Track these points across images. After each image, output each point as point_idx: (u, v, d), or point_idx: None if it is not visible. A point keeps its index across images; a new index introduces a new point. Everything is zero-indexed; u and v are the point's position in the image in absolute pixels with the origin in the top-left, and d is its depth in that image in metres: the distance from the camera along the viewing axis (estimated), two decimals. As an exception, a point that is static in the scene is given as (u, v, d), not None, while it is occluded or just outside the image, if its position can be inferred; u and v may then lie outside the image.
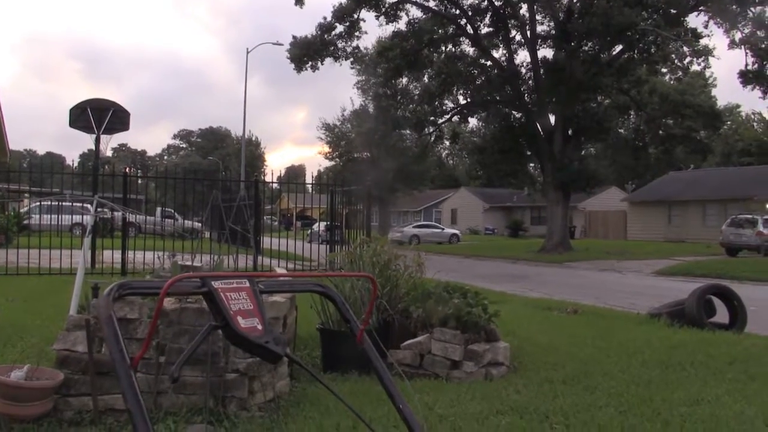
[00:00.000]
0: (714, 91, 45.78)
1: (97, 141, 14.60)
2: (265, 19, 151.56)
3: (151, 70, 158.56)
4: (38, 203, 23.91)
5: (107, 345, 1.48)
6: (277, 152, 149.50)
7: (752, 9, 26.66)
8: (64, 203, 19.64)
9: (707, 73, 34.77)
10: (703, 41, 29.18)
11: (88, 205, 7.07)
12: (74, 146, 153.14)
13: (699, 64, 31.09)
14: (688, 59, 30.93)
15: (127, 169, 19.54)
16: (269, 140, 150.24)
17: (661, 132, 35.70)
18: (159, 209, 22.19)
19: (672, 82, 34.58)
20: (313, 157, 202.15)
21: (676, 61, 31.17)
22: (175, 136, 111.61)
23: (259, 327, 1.67)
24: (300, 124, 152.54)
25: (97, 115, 14.37)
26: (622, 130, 38.25)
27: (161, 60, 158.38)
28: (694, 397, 5.02)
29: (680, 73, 32.53)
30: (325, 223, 21.00)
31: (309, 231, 30.05)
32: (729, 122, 59.01)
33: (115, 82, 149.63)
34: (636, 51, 29.08)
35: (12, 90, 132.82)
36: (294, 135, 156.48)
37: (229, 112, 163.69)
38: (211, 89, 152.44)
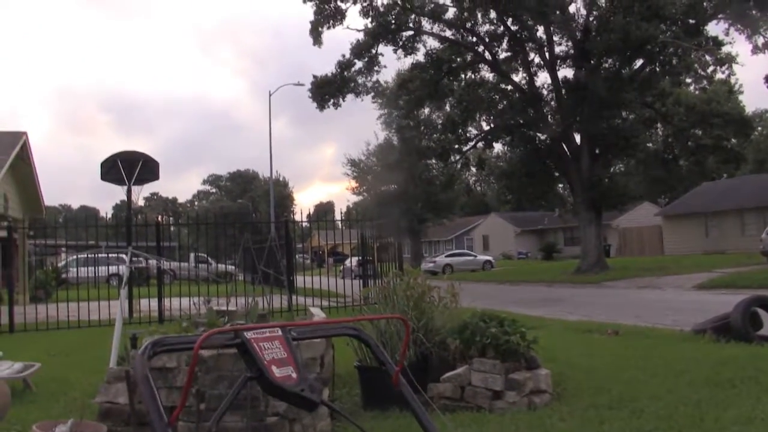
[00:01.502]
0: (742, 98, 45.18)
1: (129, 192, 14.84)
2: (291, 58, 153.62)
3: (180, 117, 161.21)
4: (75, 257, 24.32)
5: (145, 405, 1.48)
6: (307, 190, 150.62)
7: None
8: (100, 255, 19.96)
9: (732, 80, 34.26)
10: (726, 49, 28.93)
11: (124, 256, 7.16)
12: (108, 198, 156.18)
13: (723, 72, 30.78)
14: (711, 68, 30.64)
15: (160, 218, 19.79)
16: (298, 179, 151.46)
17: (690, 143, 35.26)
18: (192, 255, 22.41)
19: (697, 92, 34.24)
20: (341, 193, 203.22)
21: (699, 70, 30.90)
22: (204, 182, 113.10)
23: (294, 375, 1.67)
24: (328, 161, 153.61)
25: (128, 167, 14.64)
26: (650, 144, 37.89)
27: (189, 106, 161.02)
28: (746, 415, 4.87)
29: (704, 82, 32.21)
30: (357, 258, 21.03)
31: (341, 267, 30.12)
32: (759, 128, 58.23)
33: (145, 131, 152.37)
34: (657, 64, 28.93)
35: (45, 144, 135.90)
36: (323, 172, 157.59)
37: (258, 153, 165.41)
38: (240, 131, 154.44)
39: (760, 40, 27.29)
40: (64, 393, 6.36)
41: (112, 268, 23.98)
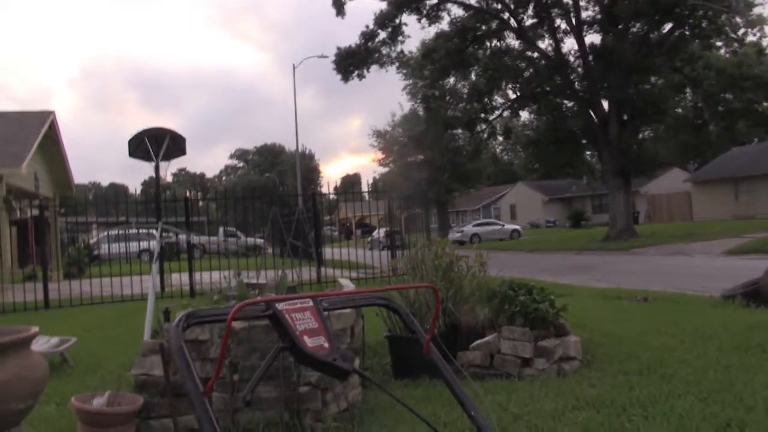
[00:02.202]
0: (773, 61, 44.18)
1: (157, 168, 14.98)
2: (316, 29, 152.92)
3: (207, 92, 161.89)
4: (106, 233, 24.69)
5: (181, 376, 1.52)
6: (334, 163, 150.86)
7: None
8: (130, 231, 20.22)
9: (764, 42, 33.53)
10: (757, 10, 28.29)
11: (154, 231, 7.27)
12: (136, 174, 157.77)
13: (754, 34, 30.11)
14: (742, 30, 29.98)
15: (188, 193, 19.97)
16: (325, 151, 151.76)
17: (720, 107, 34.65)
18: (221, 229, 22.63)
19: (727, 56, 33.54)
20: (368, 165, 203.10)
21: (729, 33, 30.24)
22: (231, 156, 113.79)
23: (326, 345, 1.70)
24: (355, 133, 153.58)
25: (155, 144, 14.75)
26: (679, 110, 37.30)
27: (216, 81, 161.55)
28: (776, 379, 4.85)
29: (735, 45, 31.54)
30: (384, 229, 21.09)
31: (369, 238, 30.21)
32: (791, 91, 56.89)
33: (172, 107, 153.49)
34: (686, 27, 28.38)
35: (73, 122, 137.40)
36: (350, 144, 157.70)
37: (285, 126, 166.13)
38: (266, 105, 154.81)
39: (793, 0, 26.60)
40: (100, 366, 6.51)
41: (143, 244, 24.35)
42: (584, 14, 30.81)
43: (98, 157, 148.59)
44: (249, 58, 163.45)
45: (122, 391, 4.53)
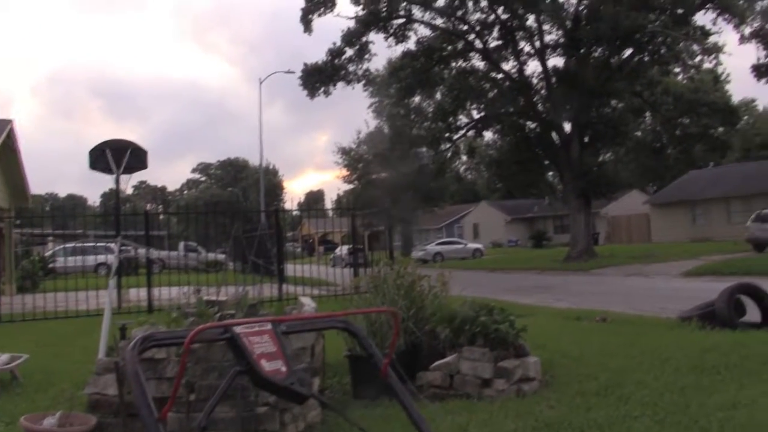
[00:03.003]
0: (729, 87, 45.42)
1: (117, 181, 14.78)
2: (286, 43, 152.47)
3: (173, 103, 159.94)
4: (62, 246, 24.23)
5: (135, 401, 1.49)
6: (300, 178, 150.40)
7: (760, 3, 26.54)
8: (87, 244, 19.86)
9: (720, 69, 34.42)
10: (713, 38, 29.03)
11: (112, 245, 7.15)
12: (96, 186, 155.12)
13: (710, 62, 30.88)
14: (699, 57, 30.74)
15: (148, 207, 19.73)
16: (291, 167, 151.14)
17: (677, 132, 35.46)
18: (182, 244, 22.37)
19: (684, 82, 34.37)
20: (332, 181, 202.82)
21: (687, 60, 31.00)
22: (194, 170, 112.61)
23: (283, 369, 1.68)
24: (322, 149, 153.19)
25: (116, 156, 14.55)
26: (639, 133, 38.05)
27: (183, 92, 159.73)
28: (730, 401, 4.93)
29: (692, 71, 32.33)
30: (347, 246, 21.05)
31: (332, 255, 30.13)
32: (746, 117, 58.47)
33: (138, 118, 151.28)
34: (646, 53, 29.02)
35: (35, 132, 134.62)
36: (316, 160, 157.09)
37: (250, 141, 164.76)
38: (233, 119, 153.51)
39: (747, 30, 27.41)
40: (52, 384, 6.35)
41: (101, 258, 23.92)
42: (548, 38, 31.36)
43: (59, 168, 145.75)
44: (217, 70, 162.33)
45: (74, 410, 4.43)
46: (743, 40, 27.60)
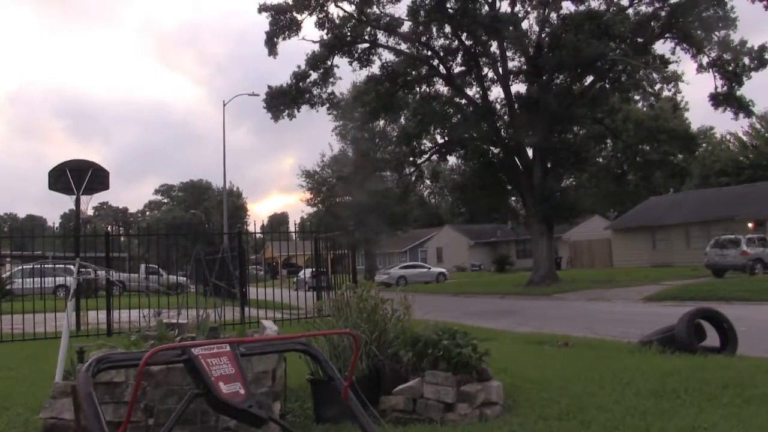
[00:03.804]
0: (688, 115, 46.57)
1: (78, 202, 14.54)
2: (252, 65, 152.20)
3: (136, 124, 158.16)
4: (20, 268, 23.69)
5: (87, 424, 1.45)
6: (265, 201, 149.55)
7: (717, 33, 27.30)
8: (46, 266, 19.46)
9: (679, 97, 35.28)
10: (672, 67, 29.82)
11: (71, 267, 7.01)
12: (57, 207, 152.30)
13: (669, 90, 31.66)
14: (658, 86, 31.49)
15: (109, 228, 19.43)
16: (256, 189, 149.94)
17: (638, 158, 36.12)
18: (143, 266, 22.02)
19: (645, 109, 35.11)
20: (296, 204, 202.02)
21: (647, 88, 31.70)
22: (156, 191, 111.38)
23: (242, 391, 1.65)
24: (287, 171, 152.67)
25: (77, 176, 14.34)
26: (600, 159, 38.67)
27: (147, 113, 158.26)
28: (690, 425, 4.98)
29: (652, 99, 33.07)
30: (310, 270, 20.93)
31: (295, 279, 29.94)
32: (705, 144, 59.87)
33: (101, 138, 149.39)
34: (607, 81, 29.63)
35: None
36: (281, 182, 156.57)
37: (215, 162, 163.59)
38: (197, 140, 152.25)
39: (705, 60, 28.16)
40: (6, 408, 6.17)
41: (59, 279, 23.42)
42: (511, 64, 31.85)
43: (19, 188, 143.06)
44: (183, 91, 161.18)
45: (28, 436, 4.31)
46: (701, 69, 28.37)
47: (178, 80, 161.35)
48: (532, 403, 5.98)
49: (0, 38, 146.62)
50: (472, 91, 33.05)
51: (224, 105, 41.60)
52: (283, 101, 30.52)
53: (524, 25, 30.03)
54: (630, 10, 29.26)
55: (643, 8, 29.01)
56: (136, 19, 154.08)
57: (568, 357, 8.74)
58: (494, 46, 31.41)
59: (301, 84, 30.55)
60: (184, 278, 19.44)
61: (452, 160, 39.45)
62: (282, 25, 29.50)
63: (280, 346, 2.16)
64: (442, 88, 33.67)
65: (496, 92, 33.12)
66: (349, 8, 30.14)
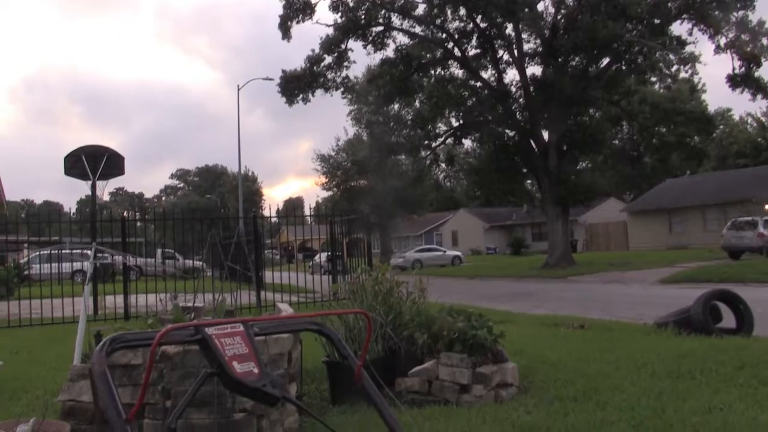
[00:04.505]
0: (705, 97, 46.08)
1: (93, 187, 14.62)
2: (270, 48, 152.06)
3: (154, 109, 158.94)
4: (38, 253, 23.93)
5: (102, 402, 1.46)
6: (281, 185, 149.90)
7: (735, 14, 26.91)
8: (63, 251, 19.63)
9: (696, 79, 34.92)
10: (689, 48, 29.42)
11: (88, 252, 7.07)
12: (73, 193, 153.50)
13: (686, 71, 31.30)
14: (675, 67, 31.13)
15: (125, 213, 19.56)
16: (273, 174, 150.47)
17: (654, 141, 35.83)
18: (159, 251, 22.17)
19: (661, 91, 34.77)
20: (312, 188, 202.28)
21: (663, 69, 31.36)
22: (172, 176, 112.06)
23: (255, 371, 1.66)
24: (303, 156, 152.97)
25: (92, 162, 14.40)
26: (616, 141, 38.40)
27: (164, 98, 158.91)
28: (705, 405, 4.96)
29: (669, 81, 32.71)
30: (326, 253, 20.99)
31: (311, 263, 30.04)
32: (722, 126, 59.27)
33: (118, 123, 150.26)
34: (623, 62, 29.31)
35: (13, 138, 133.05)
36: (297, 167, 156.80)
37: (230, 147, 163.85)
38: (213, 125, 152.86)
39: (722, 41, 27.78)
40: (26, 391, 6.25)
41: (77, 265, 23.65)
42: (526, 46, 31.59)
43: (36, 174, 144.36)
44: (199, 75, 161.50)
45: (48, 418, 4.36)
46: (719, 50, 27.99)
47: (195, 64, 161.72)
48: (547, 384, 5.98)
49: (18, 23, 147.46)
50: (487, 74, 32.90)
51: (239, 89, 41.59)
52: (297, 85, 30.50)
53: (540, 6, 29.80)
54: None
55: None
56: (153, 3, 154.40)
57: (584, 339, 8.72)
58: (509, 29, 31.16)
59: (315, 68, 30.50)
60: (201, 263, 19.55)
61: (467, 143, 39.42)
62: (296, 9, 29.42)
63: (294, 326, 2.16)
64: (456, 71, 33.53)
65: (511, 75, 33.08)
66: (363, -9, 29.98)
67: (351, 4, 29.74)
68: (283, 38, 29.76)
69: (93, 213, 14.88)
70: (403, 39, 31.73)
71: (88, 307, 6.62)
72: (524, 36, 31.17)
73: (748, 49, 27.11)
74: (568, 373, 6.34)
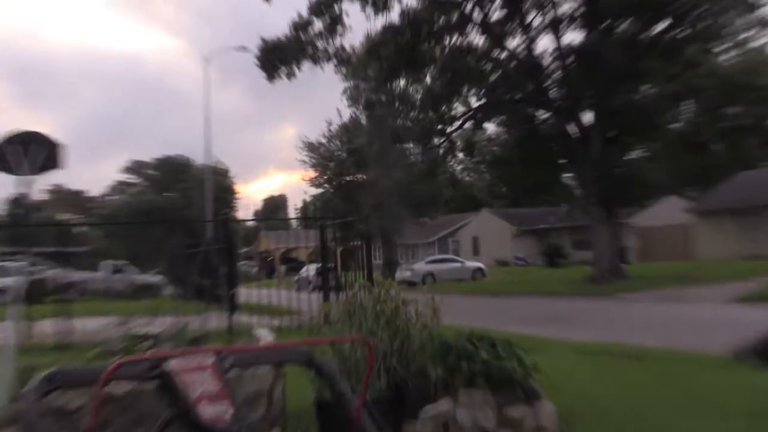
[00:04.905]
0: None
1: (23, 184, 14.61)
2: (244, 13, 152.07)
3: (100, 86, 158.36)
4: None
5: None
6: (259, 180, 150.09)
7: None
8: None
9: (771, 48, 34.96)
10: (764, 11, 29.39)
11: (16, 264, 7.07)
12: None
13: (762, 37, 31.27)
14: (748, 32, 31.11)
15: (65, 216, 19.58)
16: (249, 166, 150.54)
17: (724, 123, 35.82)
18: (107, 263, 22.23)
19: (730, 62, 34.76)
20: (297, 184, 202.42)
21: (734, 35, 31.34)
22: (124, 170, 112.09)
23: (228, 414, 1.64)
24: (287, 144, 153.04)
25: (19, 152, 14.38)
26: (676, 125, 38.35)
27: (113, 73, 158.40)
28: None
29: (736, 50, 32.68)
30: (315, 266, 21.02)
31: (296, 277, 30.08)
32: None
33: (54, 104, 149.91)
34: (684, 27, 29.25)
35: None
36: (279, 158, 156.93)
37: (196, 134, 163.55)
38: (177, 106, 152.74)
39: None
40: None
41: (2, 280, 23.65)
42: (562, 8, 31.55)
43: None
44: (159, 44, 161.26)
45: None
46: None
47: (153, 31, 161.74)
48: (592, 429, 5.96)
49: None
50: (515, 43, 32.86)
51: (207, 62, 41.72)
52: (280, 57, 30.54)
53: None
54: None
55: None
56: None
57: (639, 373, 8.70)
58: (542, -15, 31.19)
59: (302, 35, 30.53)
60: (158, 278, 19.58)
61: (491, 128, 39.39)
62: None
63: (277, 357, 2.14)
64: (477, 38, 33.52)
65: (544, 43, 32.96)
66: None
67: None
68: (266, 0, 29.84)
69: (20, 216, 14.88)
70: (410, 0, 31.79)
71: (15, 334, 6.61)
72: (561, -6, 31.21)
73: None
74: (619, 417, 6.32)
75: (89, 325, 10.98)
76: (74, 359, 5.57)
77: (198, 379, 1.68)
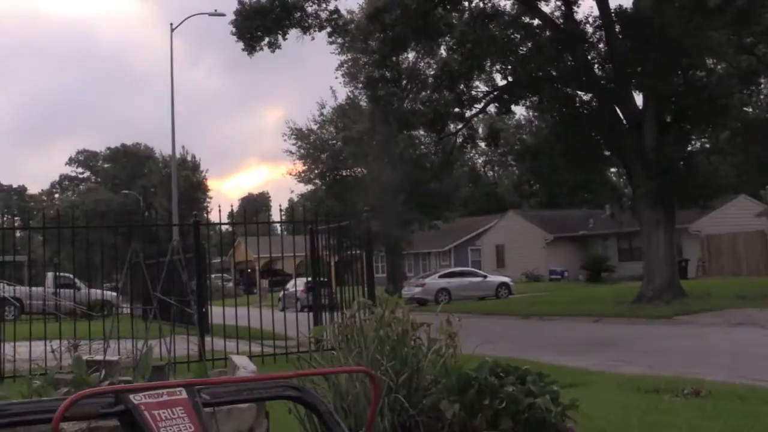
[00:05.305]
0: None
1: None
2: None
3: (42, 61, 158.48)
4: None
5: None
6: (236, 175, 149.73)
7: None
8: None
9: None
10: None
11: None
12: None
13: None
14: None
15: None
16: (224, 158, 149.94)
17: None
18: (51, 275, 22.26)
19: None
20: (284, 179, 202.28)
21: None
22: (71, 162, 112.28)
23: (204, 459, 1.67)
24: (270, 131, 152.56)
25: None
26: (750, 109, 38.24)
27: (58, 44, 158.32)
28: None
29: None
30: (304, 279, 21.04)
31: (281, 293, 30.12)
32: None
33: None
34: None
35: None
36: (262, 147, 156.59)
37: (159, 119, 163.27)
38: (137, 85, 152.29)
39: None
40: None
41: None
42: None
43: None
44: (114, 8, 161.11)
45: None
46: None
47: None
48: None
49: None
50: (550, 7, 32.84)
51: (173, 30, 41.75)
52: (261, 24, 30.53)
53: None
54: None
55: None
56: None
57: (701, 412, 8.71)
58: (584, -64, 31.20)
59: (288, -2, 30.57)
60: (114, 293, 19.61)
61: (520, 112, 39.36)
62: None
63: (261, 392, 2.15)
64: (504, 2, 33.51)
65: (586, 7, 32.93)
66: None
67: None
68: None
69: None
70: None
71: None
72: (607, -53, 31.22)
73: None
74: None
75: (30, 350, 11.03)
76: (11, 392, 5.61)
77: (167, 416, 1.71)
